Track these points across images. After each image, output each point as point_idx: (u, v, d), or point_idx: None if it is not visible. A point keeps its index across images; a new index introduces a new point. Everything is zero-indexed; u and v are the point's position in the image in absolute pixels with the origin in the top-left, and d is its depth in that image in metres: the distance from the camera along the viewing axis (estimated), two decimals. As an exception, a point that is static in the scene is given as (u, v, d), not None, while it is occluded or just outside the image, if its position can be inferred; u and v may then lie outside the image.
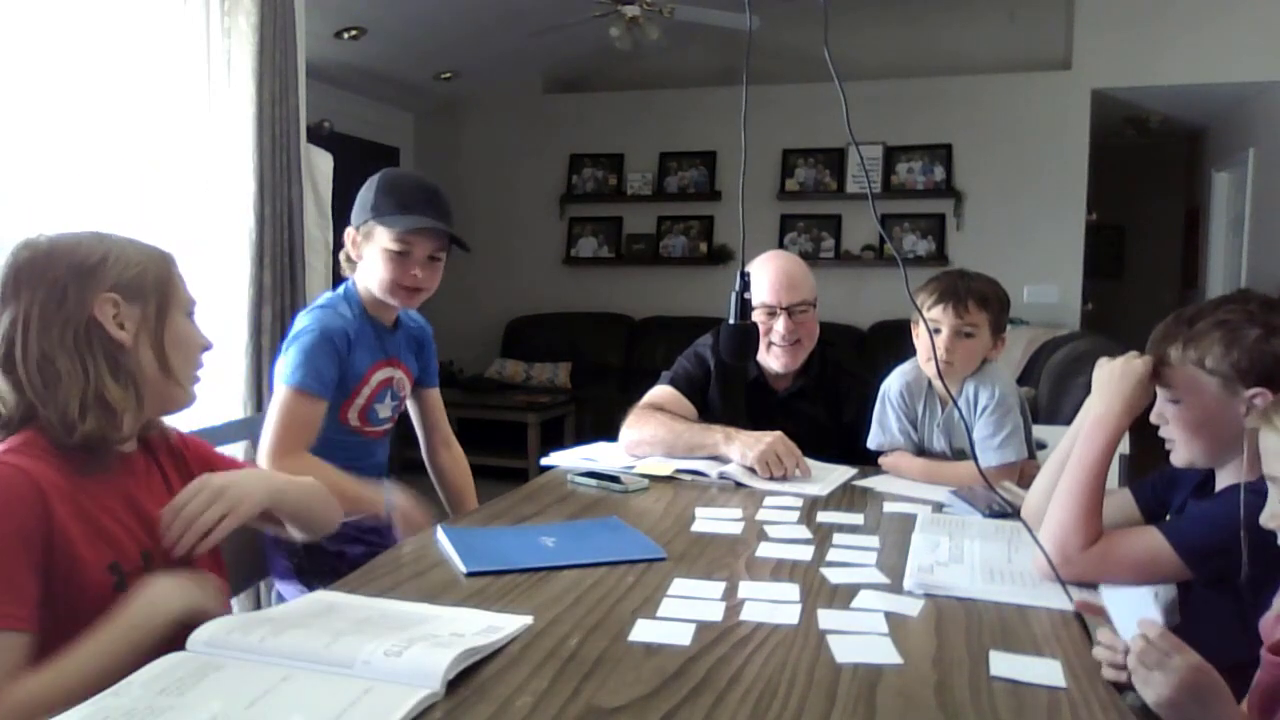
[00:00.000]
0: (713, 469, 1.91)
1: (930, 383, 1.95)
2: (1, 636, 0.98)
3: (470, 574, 1.28)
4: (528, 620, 1.09)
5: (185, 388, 1.24)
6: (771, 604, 1.18)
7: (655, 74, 6.28)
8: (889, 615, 1.14)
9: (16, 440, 1.08)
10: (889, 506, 1.71)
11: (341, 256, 1.92)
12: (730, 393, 2.20)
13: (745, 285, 1.54)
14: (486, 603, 1.16)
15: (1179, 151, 7.60)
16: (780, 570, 1.33)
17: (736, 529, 1.54)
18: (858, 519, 1.62)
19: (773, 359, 2.14)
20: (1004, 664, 1.01)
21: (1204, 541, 1.24)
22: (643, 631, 1.08)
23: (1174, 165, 7.70)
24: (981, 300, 1.86)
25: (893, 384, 2.00)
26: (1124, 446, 1.97)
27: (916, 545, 1.43)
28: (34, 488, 1.04)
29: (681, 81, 6.22)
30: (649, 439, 2.05)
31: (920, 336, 1.90)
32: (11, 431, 1.10)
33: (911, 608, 1.18)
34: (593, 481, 1.84)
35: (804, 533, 1.52)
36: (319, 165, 3.26)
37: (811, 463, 1.91)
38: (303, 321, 1.80)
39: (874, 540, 1.47)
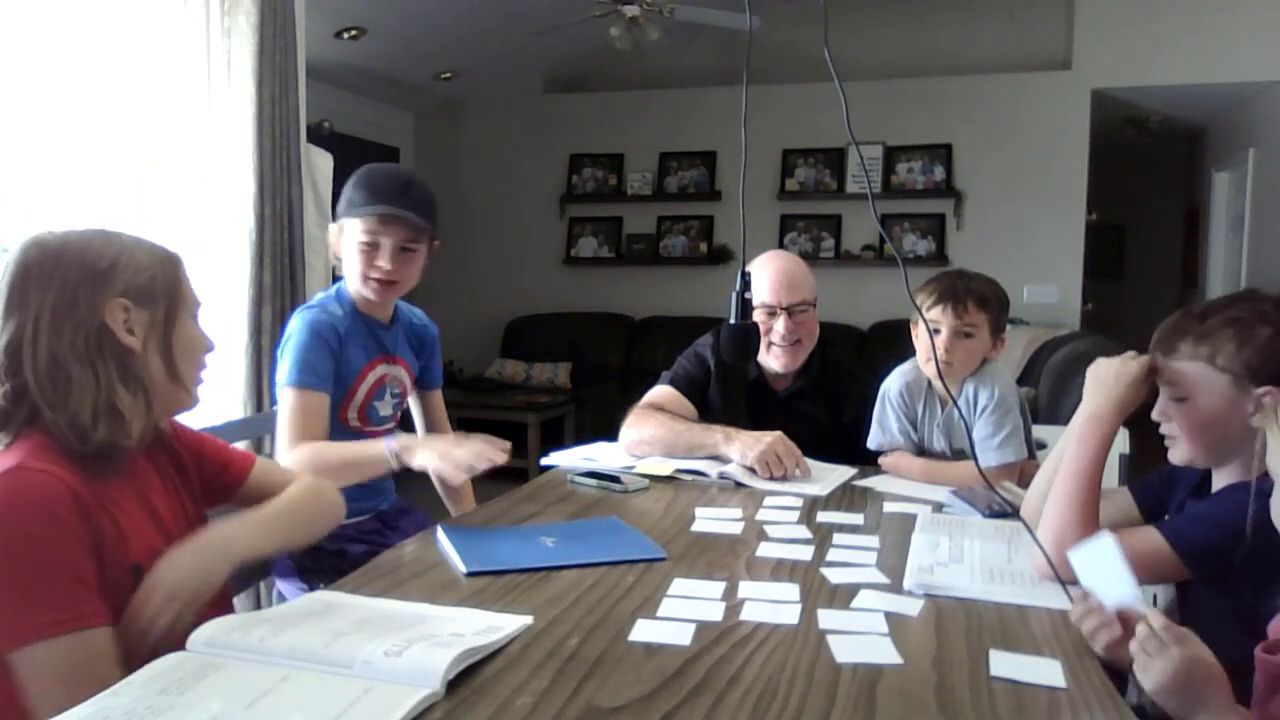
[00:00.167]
0: (713, 469, 1.91)
1: (930, 383, 1.95)
2: (95, 634, 1.00)
3: (470, 574, 1.28)
4: (528, 620, 1.09)
5: (191, 391, 1.23)
6: (771, 604, 1.18)
7: (655, 74, 6.28)
8: (889, 615, 1.15)
9: (28, 446, 1.06)
10: (889, 506, 1.71)
11: (331, 257, 1.92)
12: (730, 393, 2.20)
13: (746, 285, 1.54)
14: (486, 603, 1.16)
15: (1179, 151, 7.60)
16: (780, 570, 1.33)
17: (736, 529, 1.54)
18: (858, 519, 1.62)
19: (773, 359, 2.14)
20: (1004, 664, 1.01)
21: (1203, 541, 1.24)
22: (643, 631, 1.08)
23: (1174, 165, 7.70)
24: (981, 300, 1.86)
25: (892, 384, 2.00)
26: (1124, 446, 1.97)
27: (916, 545, 1.43)
28: (72, 493, 1.04)
29: (681, 81, 6.22)
30: (649, 439, 2.05)
31: (920, 337, 1.90)
32: (14, 435, 1.09)
33: (911, 608, 1.18)
34: (593, 481, 1.84)
35: (804, 533, 1.52)
36: (319, 165, 3.26)
37: (811, 463, 1.91)
38: (293, 324, 1.81)
39: (874, 540, 1.47)
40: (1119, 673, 1.06)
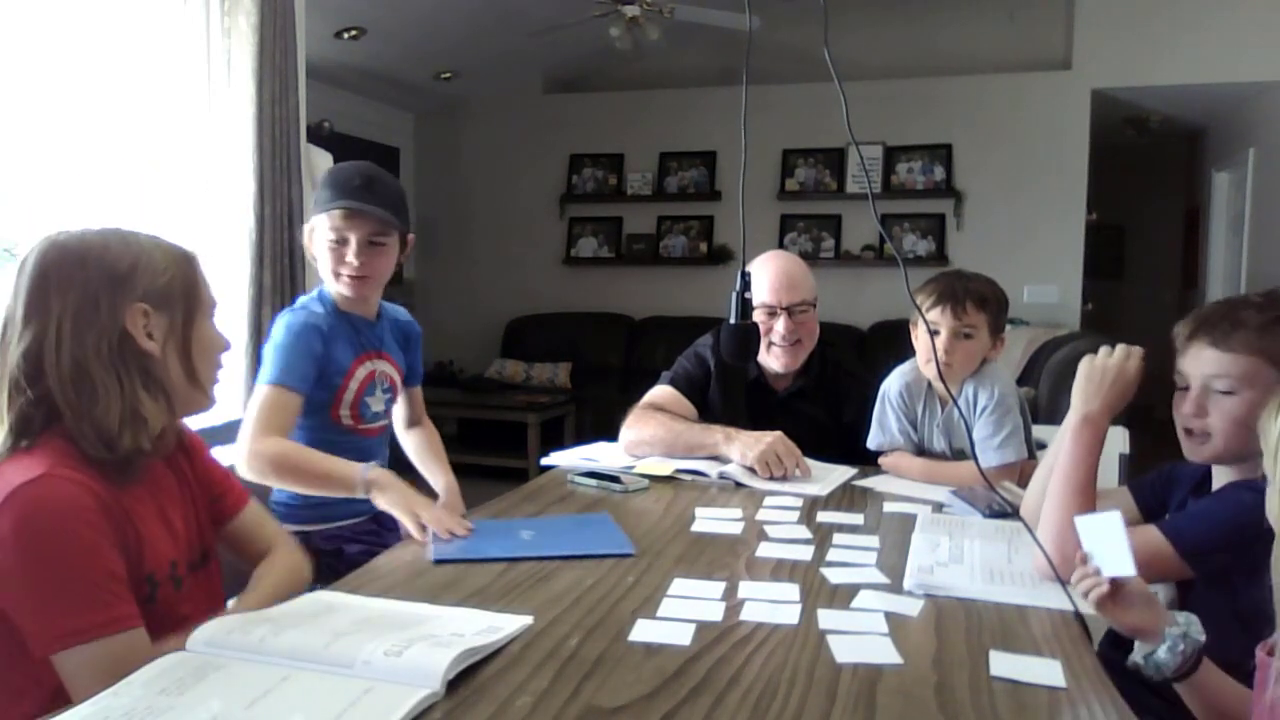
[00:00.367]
0: (713, 469, 1.91)
1: (930, 383, 1.95)
2: (133, 635, 1.02)
3: (437, 561, 1.32)
4: (528, 620, 1.09)
5: (208, 392, 1.23)
6: (771, 604, 1.18)
7: (655, 74, 6.28)
8: (889, 615, 1.14)
9: (51, 452, 1.06)
10: (889, 506, 1.71)
11: (308, 258, 1.92)
12: (730, 393, 2.20)
13: (746, 285, 1.54)
14: (486, 603, 1.16)
15: (1179, 151, 7.61)
16: (780, 570, 1.33)
17: (736, 529, 1.54)
18: (858, 519, 1.62)
19: (773, 359, 2.14)
20: (1004, 664, 1.01)
21: (1203, 539, 1.24)
22: (643, 631, 1.08)
23: (1174, 165, 7.71)
24: (980, 301, 1.86)
25: (892, 384, 2.00)
26: (1124, 446, 1.98)
27: (916, 545, 1.43)
28: (100, 501, 1.04)
29: (681, 81, 6.22)
30: (649, 439, 2.05)
31: (919, 338, 1.90)
32: (34, 437, 1.08)
33: (911, 608, 1.18)
34: (593, 481, 1.83)
35: (804, 533, 1.52)
36: (319, 165, 3.26)
37: (811, 463, 1.91)
38: (276, 326, 1.81)
39: (874, 540, 1.47)
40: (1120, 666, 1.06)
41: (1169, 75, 5.35)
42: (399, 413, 2.08)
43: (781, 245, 5.88)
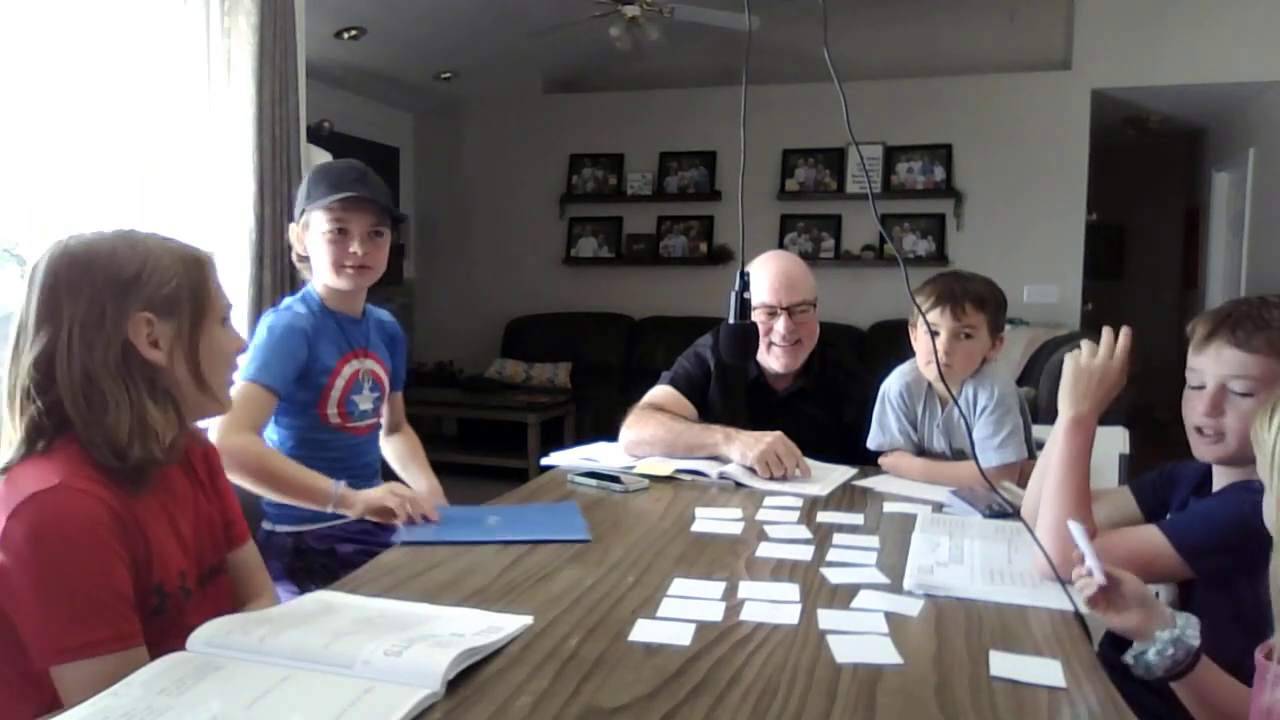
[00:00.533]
0: (713, 469, 1.91)
1: (930, 383, 1.95)
2: (135, 653, 1.02)
3: (403, 543, 1.39)
4: (528, 620, 1.09)
5: (219, 397, 1.22)
6: (771, 604, 1.18)
7: (655, 74, 6.28)
8: (889, 615, 1.14)
9: (65, 460, 1.06)
10: (889, 506, 1.71)
11: (294, 257, 1.92)
12: (730, 393, 2.20)
13: (745, 285, 1.54)
14: (486, 603, 1.16)
15: (1179, 151, 7.61)
16: (780, 570, 1.33)
17: (736, 529, 1.54)
18: (858, 519, 1.62)
19: (773, 359, 2.14)
20: (1004, 664, 1.01)
21: (1204, 539, 1.24)
22: (643, 631, 1.08)
23: (1174, 165, 7.71)
24: (978, 301, 1.86)
25: (892, 384, 2.00)
26: (1124, 446, 1.98)
27: (916, 545, 1.42)
28: (113, 514, 1.04)
29: (681, 81, 6.22)
30: (649, 439, 2.05)
31: (919, 339, 1.90)
32: (48, 442, 1.08)
33: (911, 608, 1.17)
34: (593, 481, 1.83)
35: (804, 533, 1.52)
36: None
37: (811, 463, 1.91)
38: (259, 327, 1.81)
39: (874, 540, 1.47)
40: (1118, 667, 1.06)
41: (1169, 75, 5.35)
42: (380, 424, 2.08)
43: (781, 245, 5.88)
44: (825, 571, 1.31)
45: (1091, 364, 1.37)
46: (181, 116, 2.75)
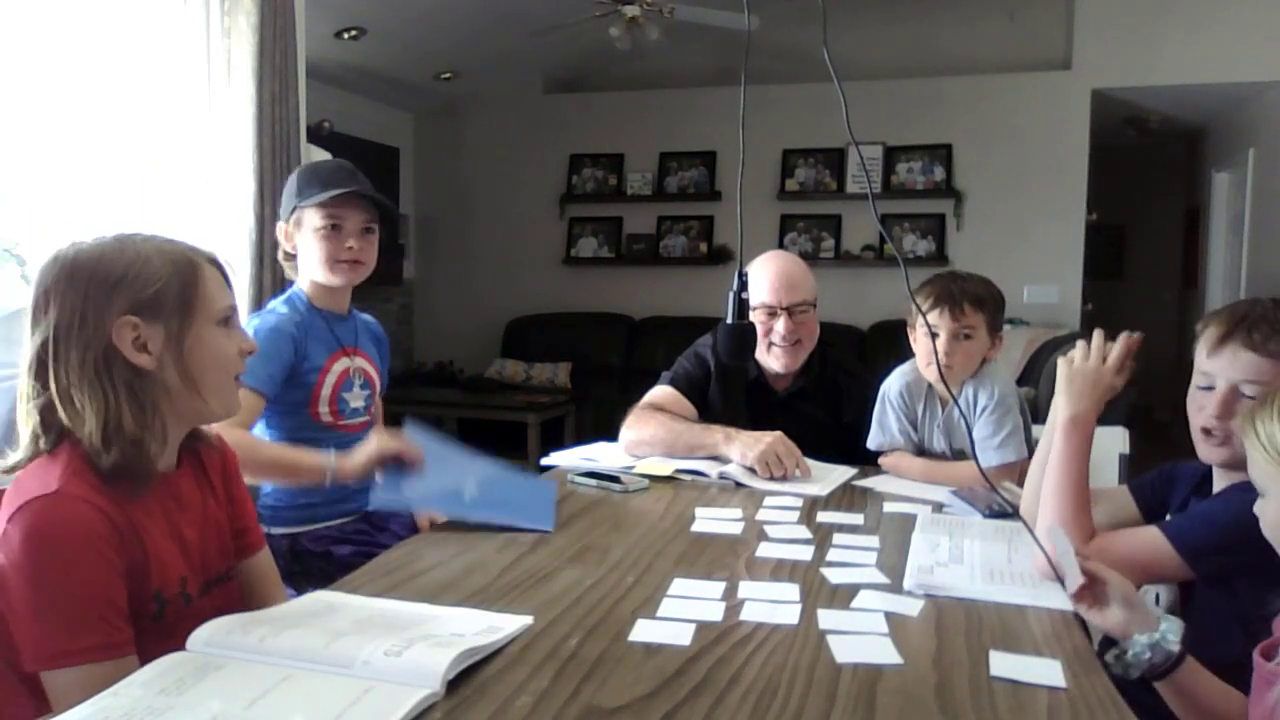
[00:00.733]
0: (713, 469, 1.91)
1: (930, 383, 1.95)
2: (124, 662, 1.02)
3: (371, 510, 1.51)
4: (528, 620, 1.09)
5: (213, 402, 1.19)
6: (771, 604, 1.18)
7: (655, 74, 6.28)
8: (889, 615, 1.14)
9: (65, 465, 1.06)
10: (889, 506, 1.71)
11: (280, 256, 1.92)
12: (730, 393, 2.20)
13: (743, 285, 1.54)
14: (486, 603, 1.16)
15: (1179, 151, 7.61)
16: (780, 570, 1.33)
17: (736, 529, 1.54)
18: (858, 519, 1.62)
19: (773, 359, 2.14)
20: (1004, 664, 1.01)
21: (1205, 540, 1.24)
22: (643, 631, 1.08)
23: (1174, 165, 7.70)
24: (977, 301, 1.86)
25: (893, 384, 2.00)
26: (1124, 446, 1.98)
27: (916, 545, 1.42)
28: (109, 523, 1.04)
29: (681, 81, 6.22)
30: (649, 439, 2.05)
31: (918, 340, 1.90)
32: (53, 443, 1.09)
33: (911, 608, 1.17)
34: (593, 481, 1.83)
35: (804, 533, 1.52)
36: (319, 165, 3.26)
37: (811, 463, 1.91)
38: (249, 323, 1.81)
39: (874, 540, 1.47)
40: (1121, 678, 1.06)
41: (1169, 75, 5.35)
42: None
43: (781, 245, 5.88)
44: (825, 571, 1.31)
45: (1084, 368, 1.38)
46: (181, 116, 2.75)
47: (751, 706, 0.90)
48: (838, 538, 1.49)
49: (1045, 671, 0.99)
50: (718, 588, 1.24)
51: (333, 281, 1.86)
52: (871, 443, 2.02)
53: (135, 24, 2.63)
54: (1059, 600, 1.19)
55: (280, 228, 1.89)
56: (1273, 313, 1.26)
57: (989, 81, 5.67)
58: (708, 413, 2.17)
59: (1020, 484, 1.75)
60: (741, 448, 1.91)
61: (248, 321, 1.83)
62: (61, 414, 1.08)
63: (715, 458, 1.96)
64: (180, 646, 0.99)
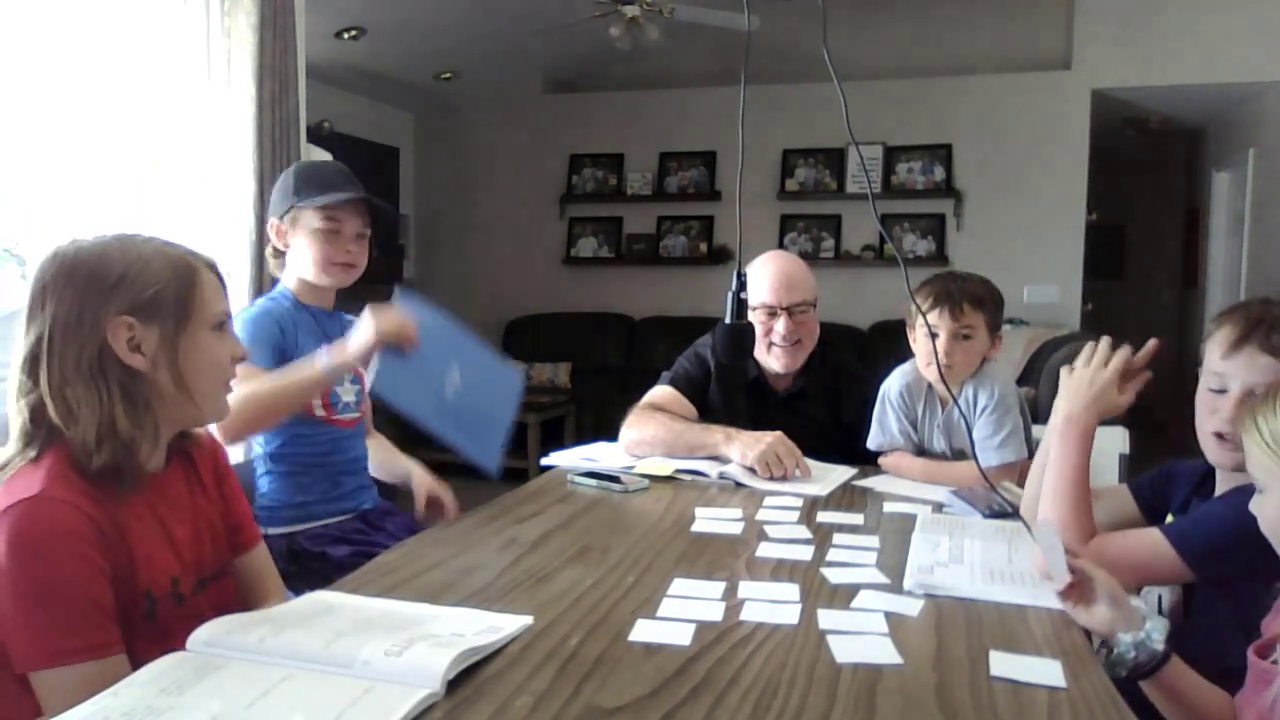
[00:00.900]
0: (713, 469, 1.91)
1: (930, 383, 1.95)
2: (110, 662, 1.02)
3: (374, 397, 1.56)
4: (528, 620, 1.09)
5: (204, 406, 1.20)
6: (771, 604, 1.18)
7: (655, 74, 6.28)
8: (889, 615, 1.14)
9: (49, 468, 1.06)
10: (889, 506, 1.71)
11: (268, 252, 1.92)
12: (730, 393, 2.20)
13: (741, 285, 1.54)
14: (486, 603, 1.16)
15: (1179, 151, 7.61)
16: (780, 570, 1.33)
17: (736, 529, 1.54)
18: (858, 519, 1.62)
19: (773, 359, 2.14)
20: (1004, 664, 1.01)
21: (1206, 543, 1.23)
22: (643, 631, 1.08)
23: (1174, 165, 7.70)
24: (976, 301, 1.86)
25: (893, 384, 2.00)
26: (1124, 446, 1.98)
27: (917, 545, 1.42)
28: (92, 524, 1.04)
29: (681, 81, 6.22)
30: (649, 439, 2.05)
31: (918, 341, 1.90)
32: (40, 448, 1.08)
33: (911, 608, 1.17)
34: (593, 481, 1.83)
35: (804, 533, 1.52)
36: (319, 165, 3.26)
37: (811, 463, 1.91)
38: (234, 322, 1.80)
39: (874, 540, 1.47)
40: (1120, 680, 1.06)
41: (1169, 75, 5.35)
42: None
43: (781, 245, 5.89)
44: (825, 571, 1.31)
45: (1083, 373, 1.40)
46: (181, 117, 2.75)
47: (751, 706, 0.90)
48: (838, 538, 1.49)
49: (1045, 671, 0.99)
50: (718, 588, 1.24)
51: (324, 282, 1.88)
52: (871, 443, 2.02)
53: (135, 24, 2.62)
54: (1059, 600, 1.19)
55: (273, 224, 1.89)
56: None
57: (989, 81, 5.67)
58: (708, 413, 2.17)
59: (1020, 484, 1.75)
60: (741, 448, 1.91)
61: (235, 316, 1.82)
62: (51, 411, 1.08)
63: (715, 458, 1.96)
64: (176, 644, 0.99)
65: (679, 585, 1.24)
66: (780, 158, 6.01)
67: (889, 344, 5.12)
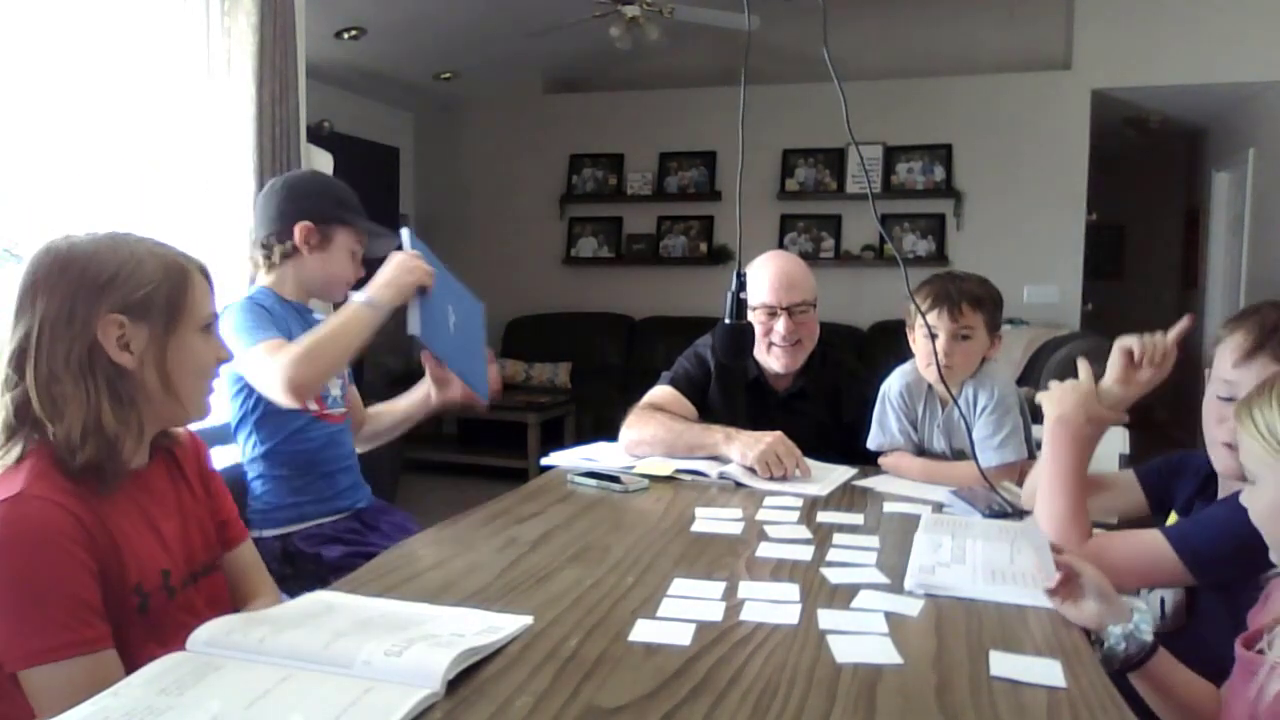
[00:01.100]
0: (713, 469, 1.91)
1: (930, 383, 1.95)
2: (99, 657, 1.02)
3: (412, 336, 1.61)
4: (528, 620, 1.09)
5: (188, 407, 1.21)
6: (771, 604, 1.18)
7: (655, 74, 6.28)
8: (889, 615, 1.14)
9: (31, 467, 1.06)
10: (889, 506, 1.71)
11: (278, 251, 1.87)
12: (730, 393, 2.20)
13: (741, 285, 1.54)
14: (486, 603, 1.16)
15: (1179, 151, 7.61)
16: (780, 570, 1.33)
17: (736, 529, 1.54)
18: (858, 519, 1.62)
19: (773, 359, 2.14)
20: (1004, 664, 1.01)
21: (1209, 547, 1.23)
22: (643, 631, 1.08)
23: (1174, 165, 7.71)
24: (975, 302, 1.86)
25: (893, 384, 2.00)
26: (1124, 446, 1.98)
27: (920, 545, 1.42)
28: (76, 521, 1.04)
29: (681, 81, 6.22)
30: (649, 439, 2.05)
31: (917, 341, 1.90)
32: (23, 448, 1.08)
33: (911, 608, 1.17)
34: (593, 481, 1.83)
35: (804, 533, 1.52)
36: (319, 165, 3.26)
37: (811, 463, 1.91)
38: (224, 317, 1.76)
39: (874, 540, 1.47)
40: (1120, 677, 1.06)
41: (1169, 75, 5.35)
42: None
43: (781, 245, 5.89)
44: (825, 571, 1.31)
45: (1060, 383, 1.43)
46: (182, 116, 2.75)
47: (751, 706, 0.90)
48: (838, 538, 1.49)
49: (1045, 671, 0.99)
50: (718, 588, 1.24)
51: (331, 297, 1.93)
52: (871, 443, 2.02)
53: (135, 24, 2.63)
54: (1047, 598, 1.19)
55: (305, 226, 1.85)
56: None
57: (989, 81, 5.68)
58: (708, 413, 2.17)
59: (1020, 484, 1.75)
60: (741, 448, 1.91)
61: (222, 315, 1.81)
62: (36, 407, 1.07)
63: (715, 458, 1.96)
64: (170, 638, 0.99)
65: (679, 585, 1.24)
66: (780, 158, 6.02)
67: (889, 344, 5.12)
